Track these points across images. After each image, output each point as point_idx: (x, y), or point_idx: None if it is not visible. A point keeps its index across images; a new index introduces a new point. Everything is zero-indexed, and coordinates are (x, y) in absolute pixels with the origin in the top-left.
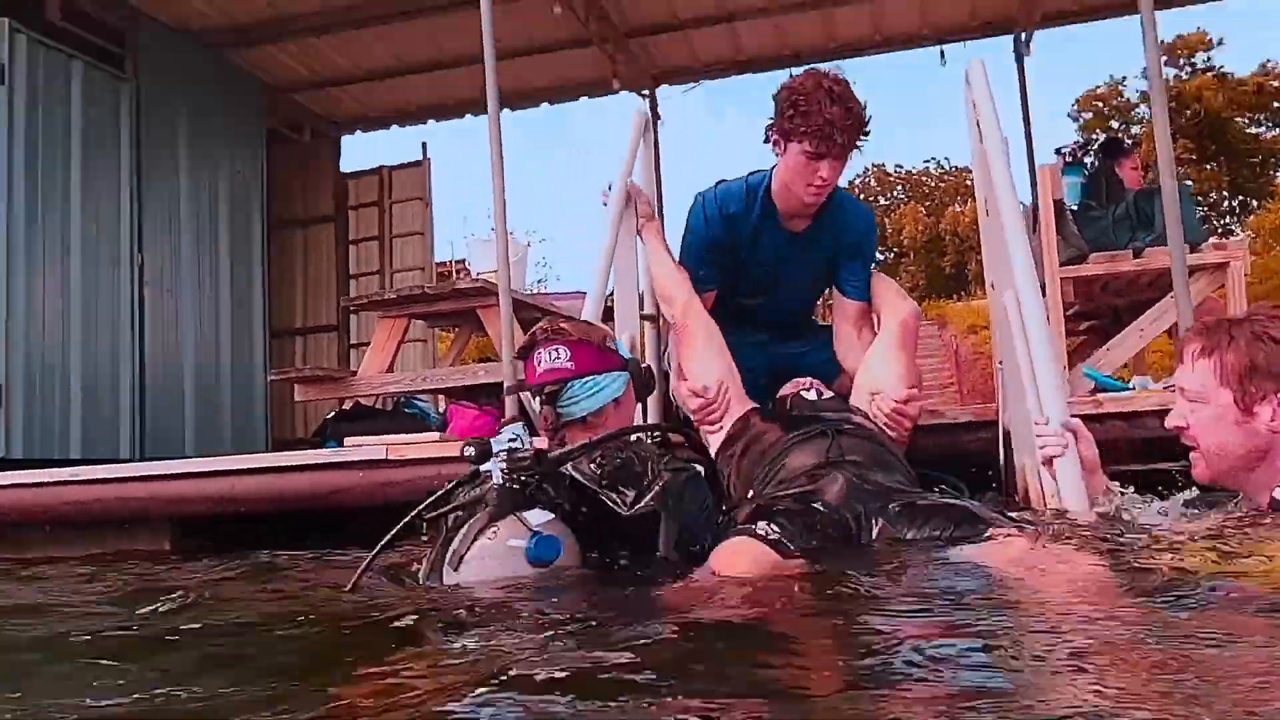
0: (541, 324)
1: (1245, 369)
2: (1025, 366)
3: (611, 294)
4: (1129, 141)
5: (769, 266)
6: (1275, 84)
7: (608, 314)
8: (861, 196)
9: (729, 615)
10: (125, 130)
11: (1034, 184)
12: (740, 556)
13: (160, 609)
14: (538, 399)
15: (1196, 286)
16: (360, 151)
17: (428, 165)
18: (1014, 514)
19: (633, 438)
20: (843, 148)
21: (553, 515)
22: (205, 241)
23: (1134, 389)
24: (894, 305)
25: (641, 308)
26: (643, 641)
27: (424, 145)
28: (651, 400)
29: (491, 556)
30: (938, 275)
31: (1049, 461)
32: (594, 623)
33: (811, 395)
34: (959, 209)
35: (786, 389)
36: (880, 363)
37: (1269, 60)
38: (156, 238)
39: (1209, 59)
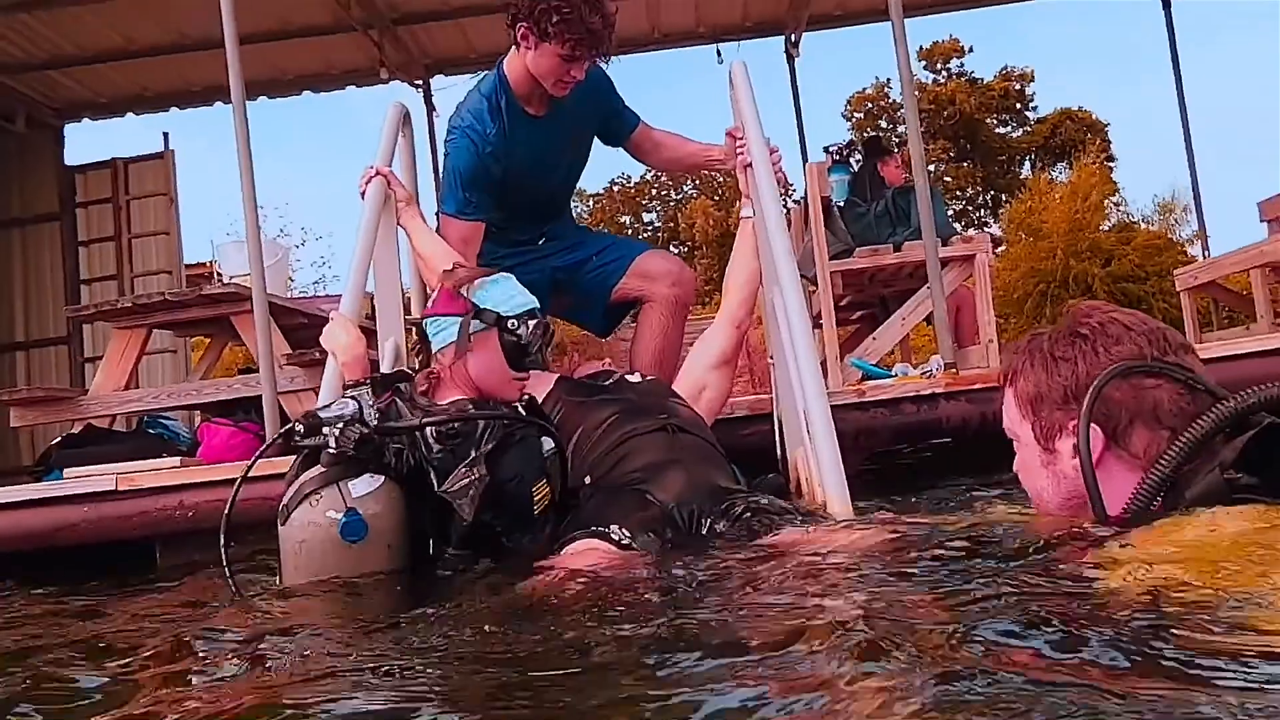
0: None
1: (1033, 397)
2: (790, 358)
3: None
4: (895, 140)
5: (534, 157)
6: (1017, 86)
7: (372, 316)
8: (654, 192)
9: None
10: None
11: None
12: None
13: None
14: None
15: (949, 276)
16: (90, 142)
17: (170, 157)
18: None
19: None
20: (597, 55)
21: (379, 483)
22: None
23: (895, 375)
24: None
25: (408, 312)
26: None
27: (165, 135)
28: None
29: (310, 523)
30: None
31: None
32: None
33: (635, 379)
34: None
35: (590, 369)
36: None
37: (1007, 65)
38: None
39: (961, 65)
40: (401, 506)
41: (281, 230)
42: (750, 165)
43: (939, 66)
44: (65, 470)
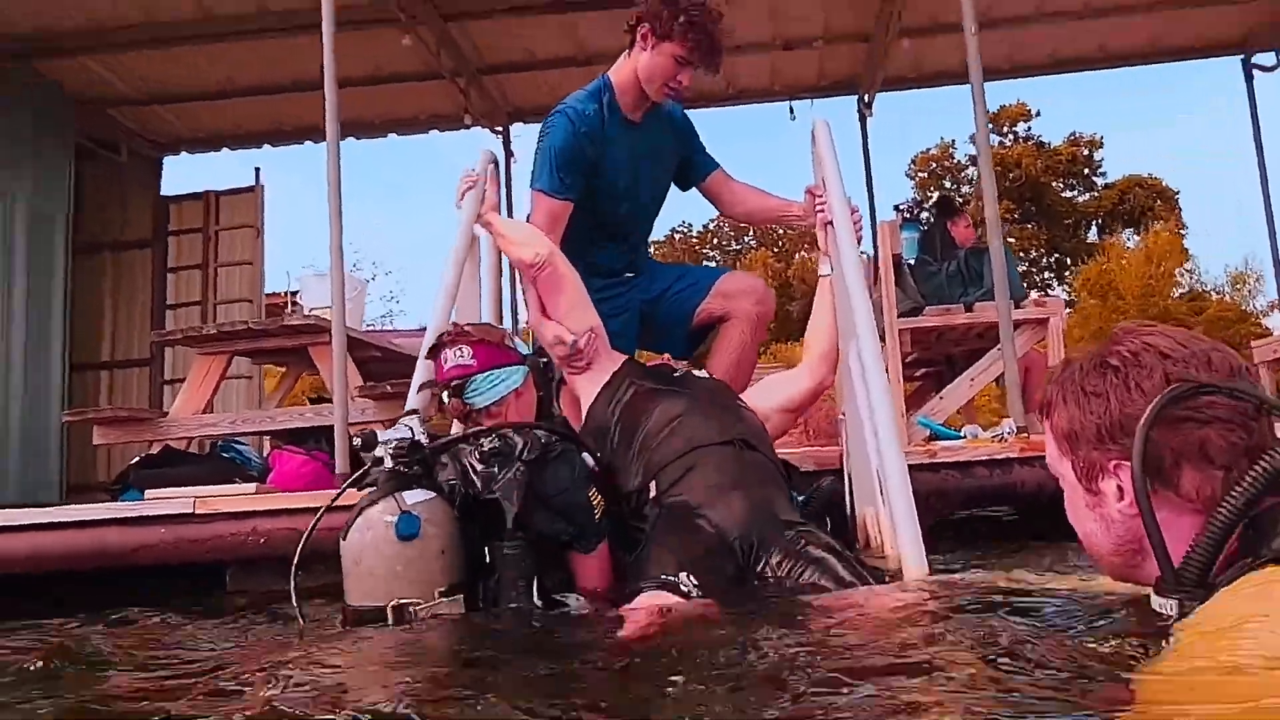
0: (447, 330)
1: (1069, 434)
2: (866, 417)
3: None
4: (960, 200)
5: (623, 159)
6: (1085, 152)
7: None
8: (715, 241)
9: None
10: None
11: (874, 238)
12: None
13: None
14: (446, 393)
15: (1021, 339)
16: (185, 173)
17: (260, 192)
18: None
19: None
20: (711, 64)
21: (431, 495)
22: None
23: (965, 437)
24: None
25: None
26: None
27: (257, 171)
28: None
29: (368, 528)
30: (786, 319)
31: None
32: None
33: (702, 374)
34: (807, 256)
35: (653, 362)
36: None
37: (1075, 131)
38: None
39: (1029, 128)
40: (454, 521)
41: (354, 265)
42: (830, 223)
43: (1006, 130)
44: (147, 491)
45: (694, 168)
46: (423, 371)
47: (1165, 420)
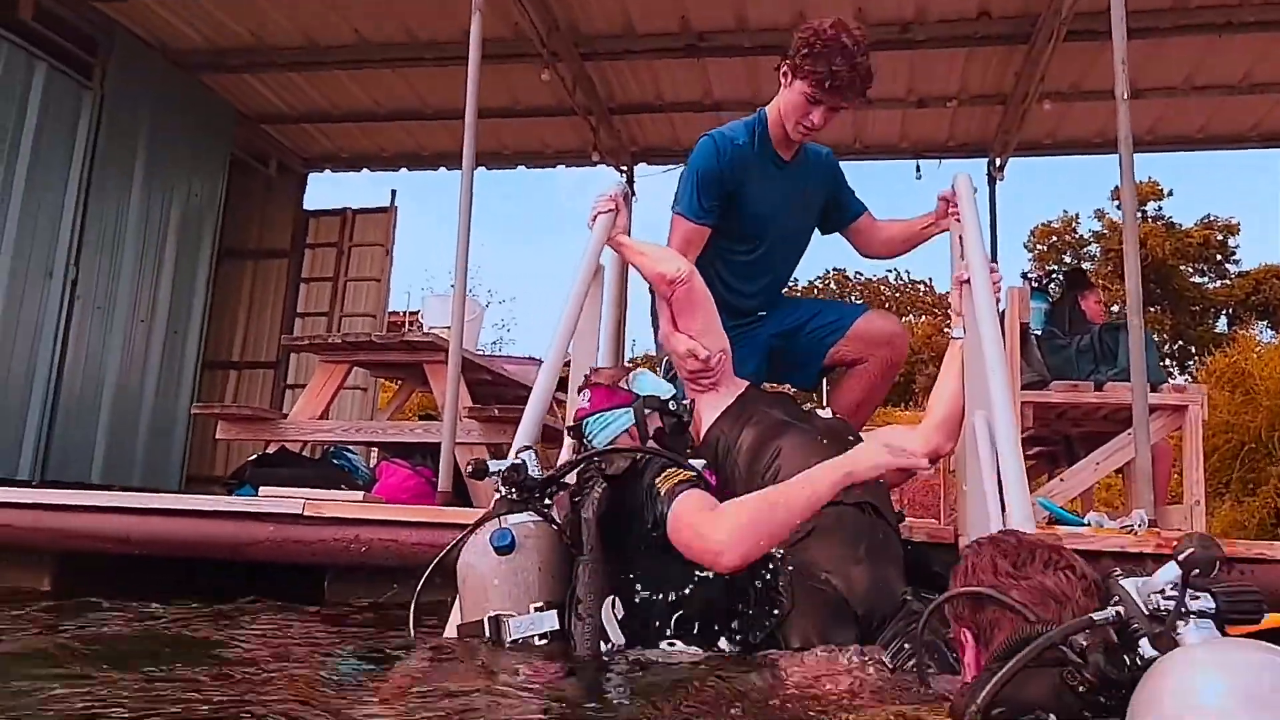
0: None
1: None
2: (991, 493)
3: (568, 364)
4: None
5: (770, 201)
6: (1219, 237)
7: (562, 384)
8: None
9: None
10: (81, 139)
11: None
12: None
13: None
14: (570, 435)
15: (1154, 425)
16: (325, 189)
17: (394, 213)
18: None
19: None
20: (837, 101)
21: (538, 519)
22: (148, 263)
23: (1089, 524)
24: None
25: None
26: None
27: (393, 193)
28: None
29: (475, 544)
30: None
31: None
32: None
33: (826, 414)
34: (912, 320)
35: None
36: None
37: (1210, 215)
38: (96, 253)
39: (1159, 208)
40: (555, 539)
41: (470, 291)
42: (967, 282)
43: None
44: (260, 488)
45: (842, 210)
46: (535, 407)
47: (978, 600)
